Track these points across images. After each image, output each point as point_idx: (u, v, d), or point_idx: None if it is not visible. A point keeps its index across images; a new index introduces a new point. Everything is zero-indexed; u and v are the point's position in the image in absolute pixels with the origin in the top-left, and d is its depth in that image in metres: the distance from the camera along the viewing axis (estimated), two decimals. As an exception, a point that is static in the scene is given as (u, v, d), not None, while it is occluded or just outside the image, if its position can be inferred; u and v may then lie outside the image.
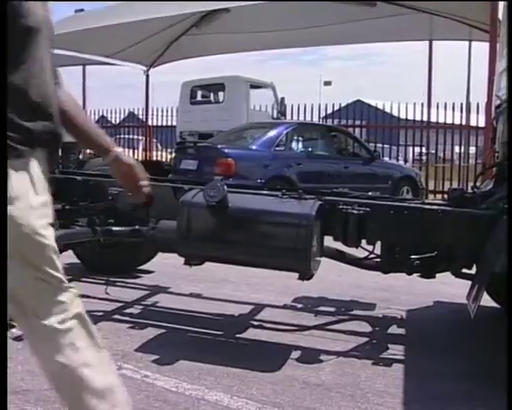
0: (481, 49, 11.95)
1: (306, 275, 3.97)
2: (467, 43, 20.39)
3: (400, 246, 4.16)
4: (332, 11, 14.27)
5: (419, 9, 12.76)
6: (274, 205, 4.14)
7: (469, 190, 4.78)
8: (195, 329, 4.55)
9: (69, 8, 37.86)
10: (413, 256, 4.11)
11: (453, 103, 15.95)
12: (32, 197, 1.91)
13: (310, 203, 4.04)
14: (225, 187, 4.04)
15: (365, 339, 4.49)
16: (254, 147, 10.61)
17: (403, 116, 16.99)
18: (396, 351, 4.21)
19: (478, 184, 4.90)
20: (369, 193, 4.65)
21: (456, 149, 17.71)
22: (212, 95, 17.41)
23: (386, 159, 15.82)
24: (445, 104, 16.03)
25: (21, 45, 1.92)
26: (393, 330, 4.77)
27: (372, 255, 4.38)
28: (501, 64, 5.22)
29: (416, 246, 4.14)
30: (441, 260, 4.11)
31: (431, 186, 16.13)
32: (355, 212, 4.07)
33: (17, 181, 1.86)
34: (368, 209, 4.10)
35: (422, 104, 16.79)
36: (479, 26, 11.45)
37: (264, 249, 3.99)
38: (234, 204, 4.06)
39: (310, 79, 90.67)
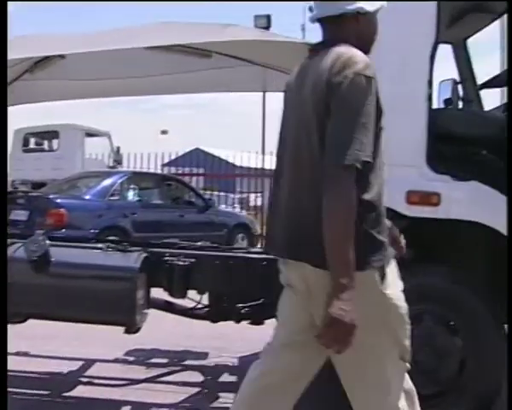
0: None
1: (132, 328, 3.93)
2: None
3: (227, 295, 4.22)
4: (169, 61, 14.41)
5: (253, 62, 13.15)
6: (98, 258, 4.08)
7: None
8: (17, 390, 4.32)
9: None
10: (240, 304, 4.18)
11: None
12: (398, 284, 2.36)
13: (134, 256, 4.02)
14: (47, 241, 3.94)
15: (197, 389, 4.49)
16: (88, 196, 10.43)
17: (242, 164, 17.41)
18: (227, 399, 4.23)
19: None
20: (199, 243, 4.70)
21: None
22: (46, 143, 16.95)
23: (223, 207, 16.06)
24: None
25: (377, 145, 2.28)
26: (225, 378, 4.80)
27: (201, 305, 4.40)
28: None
29: (243, 294, 4.21)
30: (268, 306, 4.20)
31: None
32: (180, 263, 4.08)
33: (391, 273, 2.28)
34: (193, 260, 4.13)
35: (257, 152, 17.33)
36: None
37: (89, 304, 3.90)
38: (56, 258, 3.96)
39: (147, 128, 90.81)
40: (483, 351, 3.46)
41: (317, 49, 2.38)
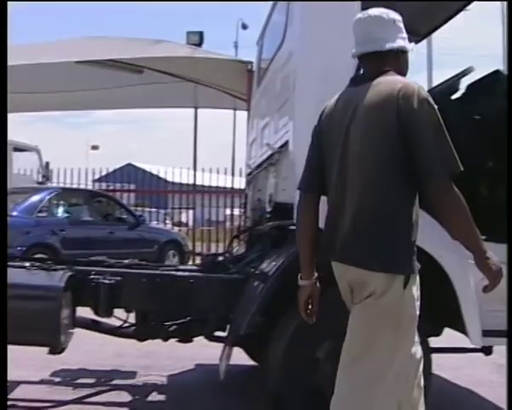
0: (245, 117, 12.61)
1: (57, 349, 3.85)
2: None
3: (154, 313, 4.19)
4: (100, 76, 14.21)
5: (185, 79, 13.11)
6: (21, 277, 3.98)
7: (234, 254, 4.96)
8: None
9: None
10: (168, 322, 4.15)
11: (217, 168, 16.61)
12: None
13: (59, 274, 3.95)
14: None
15: (125, 409, 4.42)
16: (15, 213, 10.18)
17: (174, 180, 17.30)
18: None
19: (237, 247, 5.12)
20: (126, 261, 4.64)
21: (227, 211, 18.32)
22: (-30, 158, 16.46)
23: (154, 223, 15.94)
24: (210, 168, 16.66)
25: None
26: (153, 397, 4.75)
27: (128, 323, 4.35)
28: (251, 135, 5.57)
29: (171, 312, 4.19)
30: (195, 324, 4.20)
31: (199, 248, 16.48)
32: (106, 281, 4.03)
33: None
34: (119, 278, 4.09)
35: (189, 168, 17.24)
36: (241, 97, 12.07)
37: (11, 325, 3.79)
38: (-22, 278, 3.84)
39: (77, 143, 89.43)
40: None
41: (357, 81, 2.75)
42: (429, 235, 3.49)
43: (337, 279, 2.73)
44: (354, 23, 2.78)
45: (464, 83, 4.10)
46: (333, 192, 2.72)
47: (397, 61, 2.71)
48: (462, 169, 2.49)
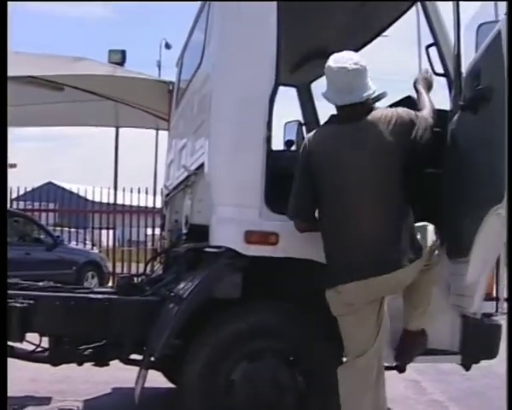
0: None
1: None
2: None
3: (68, 337, 4.10)
4: (19, 92, 13.86)
5: (106, 97, 12.95)
6: None
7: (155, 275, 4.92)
8: None
9: None
10: (83, 346, 4.08)
11: (139, 187, 16.44)
12: None
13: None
14: None
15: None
16: None
17: (95, 199, 17.02)
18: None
19: (155, 268, 5.08)
20: (41, 283, 4.54)
21: (148, 231, 18.11)
22: None
23: (73, 243, 15.63)
24: (131, 188, 16.51)
25: None
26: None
27: (41, 348, 4.25)
28: (169, 155, 5.56)
29: (86, 335, 4.11)
30: (111, 347, 4.13)
31: (120, 269, 16.21)
32: (18, 305, 3.92)
33: None
34: (32, 301, 3.99)
35: (109, 188, 17.04)
36: (163, 117, 12.01)
37: None
38: None
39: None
40: (322, 383, 3.57)
41: (340, 121, 3.35)
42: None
43: (353, 299, 3.27)
44: (331, 73, 3.30)
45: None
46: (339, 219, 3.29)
47: (370, 102, 3.37)
48: None
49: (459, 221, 3.49)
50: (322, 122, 5.54)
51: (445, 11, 3.91)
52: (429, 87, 3.66)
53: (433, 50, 3.88)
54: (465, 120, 3.51)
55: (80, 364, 4.19)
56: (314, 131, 3.57)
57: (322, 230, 3.36)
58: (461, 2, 3.75)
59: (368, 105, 3.32)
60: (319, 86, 5.70)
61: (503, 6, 3.19)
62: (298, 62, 5.47)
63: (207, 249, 3.70)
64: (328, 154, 3.33)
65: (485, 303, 3.62)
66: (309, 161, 3.36)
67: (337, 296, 3.31)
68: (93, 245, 16.89)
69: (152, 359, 3.69)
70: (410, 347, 3.61)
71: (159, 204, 16.89)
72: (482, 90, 3.22)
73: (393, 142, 3.24)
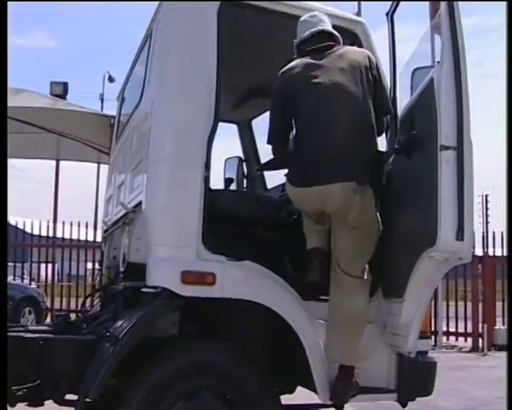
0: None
1: None
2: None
3: (0, 377, 3.99)
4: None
5: (46, 130, 12.81)
6: None
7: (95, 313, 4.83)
8: None
9: None
10: (16, 386, 3.97)
11: (79, 221, 16.25)
12: None
13: None
14: None
15: None
16: None
17: (35, 232, 16.71)
18: None
19: (94, 304, 5.00)
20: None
21: (89, 265, 17.81)
22: None
23: (10, 278, 15.23)
24: (71, 221, 16.29)
25: None
26: None
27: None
28: (108, 191, 5.50)
29: (19, 376, 4.00)
30: (46, 387, 4.03)
31: (58, 305, 15.87)
32: None
33: None
34: None
35: (49, 221, 16.73)
36: (105, 151, 11.92)
37: None
38: None
39: None
40: None
41: (318, 50, 3.77)
42: (278, 296, 3.62)
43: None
44: (303, 21, 3.85)
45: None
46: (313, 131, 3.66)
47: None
48: None
49: (394, 262, 3.57)
50: (262, 160, 5.62)
51: (382, 55, 4.07)
52: None
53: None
54: (400, 162, 3.61)
55: (13, 405, 4.07)
56: (289, 65, 3.85)
57: (298, 146, 3.77)
58: (397, 44, 3.98)
59: (336, 41, 3.82)
60: (260, 123, 5.81)
61: (438, 47, 3.33)
62: (239, 100, 5.52)
63: (144, 289, 3.67)
64: (303, 76, 3.72)
65: (420, 341, 3.70)
66: (285, 86, 3.80)
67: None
68: (31, 280, 16.52)
69: (87, 399, 3.62)
70: (344, 384, 3.63)
71: (99, 238, 16.67)
72: (415, 135, 3.33)
73: (363, 75, 3.68)
